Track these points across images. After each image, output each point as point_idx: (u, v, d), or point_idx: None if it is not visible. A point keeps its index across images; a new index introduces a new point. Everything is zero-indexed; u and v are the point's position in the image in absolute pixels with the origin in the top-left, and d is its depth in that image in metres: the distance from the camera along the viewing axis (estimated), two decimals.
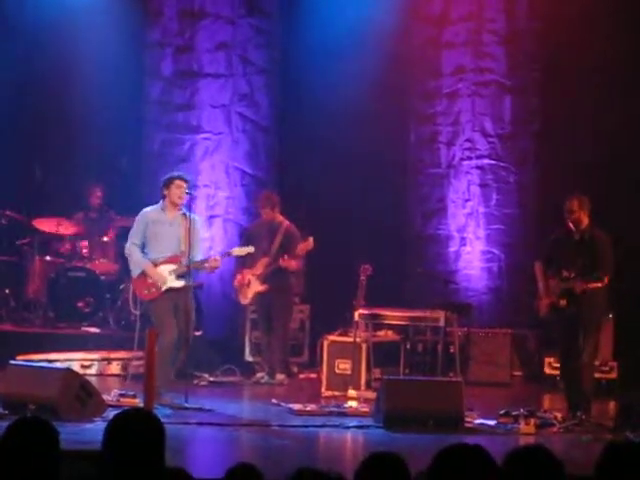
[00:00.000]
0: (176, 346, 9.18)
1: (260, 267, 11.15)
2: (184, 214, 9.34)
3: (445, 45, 12.94)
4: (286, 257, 10.97)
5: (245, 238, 11.30)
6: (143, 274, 9.38)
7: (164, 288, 9.30)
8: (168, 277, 9.32)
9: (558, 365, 10.14)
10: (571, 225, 9.12)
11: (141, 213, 9.59)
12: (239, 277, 11.32)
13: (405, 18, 12.78)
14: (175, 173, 9.88)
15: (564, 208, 9.12)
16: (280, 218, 11.27)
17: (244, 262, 11.19)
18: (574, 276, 8.96)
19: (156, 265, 9.37)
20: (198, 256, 9.42)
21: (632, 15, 11.85)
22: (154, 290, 9.33)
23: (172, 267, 9.34)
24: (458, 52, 12.90)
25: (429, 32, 12.97)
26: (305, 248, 10.97)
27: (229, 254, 10.04)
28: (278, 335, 11.18)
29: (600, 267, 8.92)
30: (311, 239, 10.91)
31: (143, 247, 9.45)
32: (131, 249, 9.47)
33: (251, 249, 9.81)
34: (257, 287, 11.20)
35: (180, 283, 9.30)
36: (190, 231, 9.20)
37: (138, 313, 10.21)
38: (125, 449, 3.55)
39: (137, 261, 9.45)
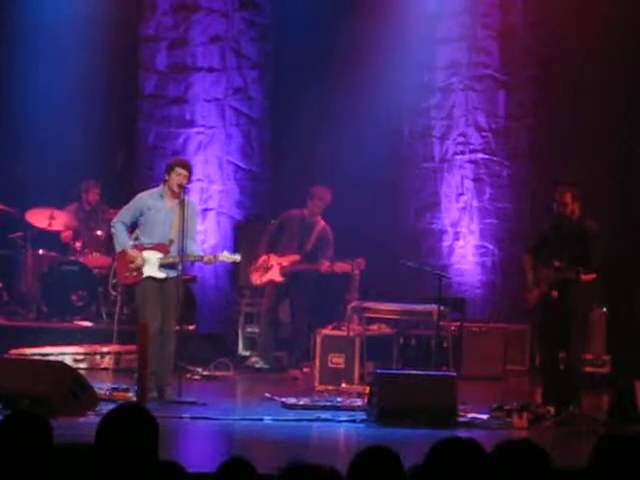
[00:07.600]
0: (157, 336, 8.89)
1: (288, 261, 11.19)
2: (182, 201, 9.05)
3: (439, 39, 12.91)
4: (326, 263, 11.00)
5: (278, 224, 11.44)
6: (125, 255, 9.15)
7: (145, 275, 9.06)
8: (150, 265, 9.04)
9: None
10: (562, 215, 9.09)
11: (137, 197, 9.35)
12: (264, 257, 11.35)
13: (399, 12, 12.75)
14: (178, 159, 9.77)
15: (556, 199, 9.09)
16: (317, 216, 11.34)
17: (275, 247, 11.33)
18: (566, 266, 8.94)
19: (142, 250, 9.11)
20: (191, 244, 9.17)
21: (628, 9, 11.84)
22: (135, 274, 9.08)
23: (158, 255, 9.07)
24: (452, 46, 12.88)
25: (423, 26, 12.94)
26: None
27: (215, 257, 9.48)
28: (301, 326, 11.29)
29: (593, 260, 8.91)
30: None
31: (134, 231, 9.22)
32: (117, 226, 9.23)
33: (237, 258, 9.46)
34: (276, 276, 11.28)
35: (162, 275, 9.02)
36: (183, 219, 8.92)
37: (118, 294, 10.00)
38: (118, 443, 3.55)
39: (120, 240, 9.22)
